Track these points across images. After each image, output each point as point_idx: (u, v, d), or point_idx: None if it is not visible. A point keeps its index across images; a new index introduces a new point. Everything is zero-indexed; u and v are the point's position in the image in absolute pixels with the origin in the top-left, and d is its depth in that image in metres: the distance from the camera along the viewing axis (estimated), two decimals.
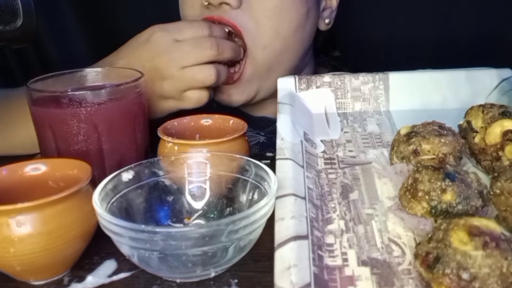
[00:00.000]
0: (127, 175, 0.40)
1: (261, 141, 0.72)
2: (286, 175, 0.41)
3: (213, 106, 0.77)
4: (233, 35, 0.62)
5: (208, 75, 0.57)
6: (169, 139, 0.47)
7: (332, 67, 0.81)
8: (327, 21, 0.71)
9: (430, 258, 0.30)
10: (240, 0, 0.61)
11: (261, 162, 0.40)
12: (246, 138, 0.50)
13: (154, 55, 0.57)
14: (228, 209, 0.42)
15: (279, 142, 0.46)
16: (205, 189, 0.43)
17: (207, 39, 0.57)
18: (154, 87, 0.57)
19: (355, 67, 0.79)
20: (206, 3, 0.61)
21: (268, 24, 0.62)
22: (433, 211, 0.36)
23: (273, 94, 0.69)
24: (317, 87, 0.59)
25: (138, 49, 0.58)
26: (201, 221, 0.42)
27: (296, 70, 0.69)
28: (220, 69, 0.58)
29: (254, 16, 0.62)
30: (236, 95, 0.66)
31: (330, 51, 0.81)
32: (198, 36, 0.57)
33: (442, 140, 0.42)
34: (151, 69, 0.56)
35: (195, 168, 0.43)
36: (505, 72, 0.57)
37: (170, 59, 0.56)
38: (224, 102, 0.68)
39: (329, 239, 0.36)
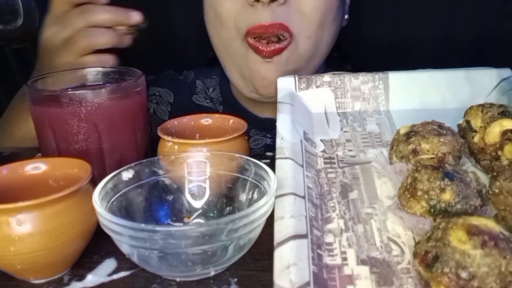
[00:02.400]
0: (127, 174, 0.40)
1: (267, 143, 0.72)
2: (285, 174, 0.41)
3: (219, 110, 0.77)
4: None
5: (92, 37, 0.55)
6: (169, 138, 0.47)
7: (336, 66, 0.81)
8: (346, 16, 0.72)
9: (429, 257, 0.30)
10: None
11: (261, 161, 0.40)
12: (246, 137, 0.50)
13: (43, 32, 0.58)
14: (227, 208, 0.42)
15: (278, 142, 0.46)
16: (205, 188, 0.43)
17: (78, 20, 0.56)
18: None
19: (357, 66, 0.79)
20: (252, 2, 0.60)
21: (314, 15, 0.62)
22: (432, 210, 0.36)
23: None
24: (317, 87, 0.59)
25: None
26: (201, 220, 0.42)
27: (321, 66, 0.70)
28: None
29: (300, 9, 0.62)
30: (274, 73, 0.62)
31: (334, 51, 0.82)
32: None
33: (442, 140, 0.42)
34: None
35: (195, 167, 0.43)
36: (505, 72, 0.57)
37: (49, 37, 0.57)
38: (262, 89, 0.65)
39: (329, 238, 0.36)
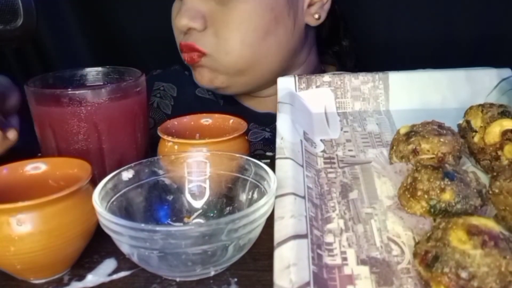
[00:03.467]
0: (127, 174, 0.40)
1: (266, 136, 0.73)
2: (285, 174, 0.41)
3: (220, 103, 0.78)
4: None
5: None
6: (169, 138, 0.47)
7: (338, 64, 0.81)
8: (316, 16, 0.71)
9: (429, 257, 0.30)
10: (204, 23, 0.65)
11: (261, 161, 0.40)
12: (246, 137, 0.50)
13: None
14: (227, 208, 0.42)
15: (278, 142, 0.46)
16: (205, 188, 0.43)
17: None
18: None
19: (360, 60, 0.79)
20: (176, 28, 0.67)
21: (229, 36, 0.65)
22: (432, 210, 0.36)
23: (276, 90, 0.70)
24: (317, 87, 0.59)
25: None
26: (201, 220, 0.42)
27: (285, 71, 0.70)
28: None
29: (217, 33, 0.65)
30: (207, 76, 0.69)
31: (333, 45, 0.81)
32: None
33: (442, 140, 0.42)
34: None
35: (195, 167, 0.43)
36: (505, 72, 0.57)
37: None
38: (202, 83, 0.71)
39: (329, 238, 0.36)
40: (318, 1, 0.71)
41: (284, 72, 0.69)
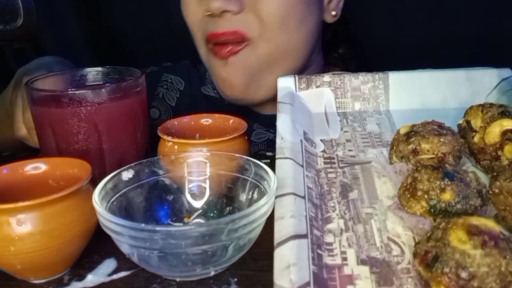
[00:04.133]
0: (127, 174, 0.40)
1: (270, 138, 0.73)
2: (285, 174, 0.41)
3: (224, 102, 0.78)
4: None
5: None
6: (169, 138, 0.47)
7: (343, 65, 0.80)
8: (333, 13, 0.71)
9: (429, 257, 0.30)
10: (241, 5, 0.61)
11: (261, 161, 0.40)
12: (246, 137, 0.50)
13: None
14: (227, 208, 0.42)
15: (279, 141, 0.46)
16: (205, 188, 0.43)
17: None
18: None
19: (364, 63, 0.78)
20: (207, 14, 0.62)
21: (272, 20, 0.62)
22: (432, 210, 0.36)
23: None
24: (317, 87, 0.59)
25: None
26: (201, 220, 0.42)
27: (303, 68, 0.69)
28: None
29: (257, 16, 0.62)
30: (235, 76, 0.65)
31: (338, 48, 0.81)
32: None
33: (442, 140, 0.42)
34: None
35: (195, 167, 0.43)
36: (505, 72, 0.57)
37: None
38: (227, 91, 0.67)
39: (329, 238, 0.36)
40: None
41: (300, 72, 0.68)
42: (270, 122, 0.72)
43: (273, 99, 0.71)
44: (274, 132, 0.72)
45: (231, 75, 0.65)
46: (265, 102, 0.73)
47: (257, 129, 0.74)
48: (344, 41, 0.81)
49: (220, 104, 0.77)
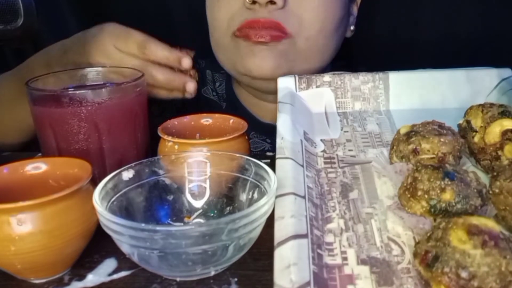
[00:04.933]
0: (127, 174, 0.40)
1: (266, 148, 0.72)
2: (286, 174, 0.41)
3: (222, 106, 0.77)
4: None
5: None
6: (170, 138, 0.47)
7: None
8: (352, 27, 0.73)
9: (429, 257, 0.30)
10: (285, 0, 0.61)
11: (261, 161, 0.40)
12: (246, 137, 0.50)
13: (93, 52, 0.58)
14: (228, 208, 0.42)
15: (279, 141, 0.46)
16: (205, 188, 0.43)
17: (134, 61, 0.57)
18: None
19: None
20: (250, 2, 0.61)
21: (313, 19, 0.63)
22: (432, 210, 0.36)
23: None
24: (317, 87, 0.59)
25: (83, 45, 0.59)
26: (201, 220, 0.42)
27: (322, 71, 0.69)
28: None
29: (299, 14, 0.62)
30: (269, 60, 0.63)
31: (339, 60, 0.81)
32: (132, 53, 0.57)
33: (442, 140, 0.42)
34: (87, 63, 0.57)
35: (195, 167, 0.43)
36: (505, 72, 0.57)
37: (101, 63, 0.57)
38: (255, 68, 0.63)
39: (329, 238, 0.36)
40: (353, 14, 0.73)
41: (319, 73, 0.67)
42: (268, 131, 0.72)
43: (276, 107, 0.71)
44: (271, 143, 0.72)
45: (265, 54, 0.63)
46: (269, 109, 0.72)
47: (254, 138, 0.73)
48: (344, 56, 0.81)
49: (217, 108, 0.76)
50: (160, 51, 0.57)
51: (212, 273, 0.36)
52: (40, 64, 0.61)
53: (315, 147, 0.50)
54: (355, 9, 0.74)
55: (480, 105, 0.46)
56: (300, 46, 0.64)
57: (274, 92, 0.68)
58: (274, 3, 0.60)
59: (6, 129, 0.66)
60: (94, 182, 0.38)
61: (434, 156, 0.42)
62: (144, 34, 0.58)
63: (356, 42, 0.83)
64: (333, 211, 0.40)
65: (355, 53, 0.84)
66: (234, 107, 0.76)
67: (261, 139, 0.73)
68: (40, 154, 0.52)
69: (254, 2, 0.61)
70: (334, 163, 0.47)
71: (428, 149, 0.42)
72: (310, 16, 0.62)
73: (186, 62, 0.57)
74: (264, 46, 0.62)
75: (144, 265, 0.35)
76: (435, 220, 0.36)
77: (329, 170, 0.46)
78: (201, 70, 0.81)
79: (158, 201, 0.42)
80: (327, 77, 0.59)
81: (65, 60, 0.59)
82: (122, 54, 0.57)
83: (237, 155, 0.42)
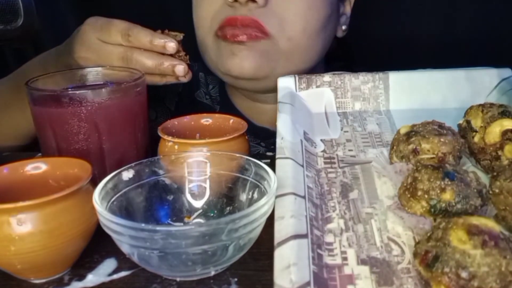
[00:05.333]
0: (127, 174, 0.40)
1: (261, 152, 0.72)
2: (286, 174, 0.41)
3: (216, 109, 0.77)
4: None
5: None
6: (169, 138, 0.47)
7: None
8: (344, 27, 0.72)
9: (429, 257, 0.30)
10: None
11: (261, 161, 0.40)
12: (246, 137, 0.50)
13: (77, 48, 0.58)
14: (228, 208, 0.42)
15: (279, 141, 0.46)
16: (205, 188, 0.43)
17: (119, 49, 0.56)
18: None
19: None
20: (231, 1, 0.61)
21: (295, 20, 0.62)
22: (432, 210, 0.36)
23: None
24: (317, 87, 0.59)
25: (71, 39, 0.59)
26: (201, 220, 0.42)
27: (311, 71, 0.68)
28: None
29: (280, 14, 0.61)
30: (248, 60, 0.62)
31: (337, 62, 0.81)
32: (116, 42, 0.57)
33: (442, 140, 0.42)
34: (74, 61, 0.58)
35: (195, 167, 0.43)
36: (505, 72, 0.57)
37: (85, 57, 0.57)
38: (234, 68, 0.63)
39: (329, 238, 0.36)
40: (345, 13, 0.72)
41: (308, 73, 0.67)
42: (262, 135, 0.71)
43: (271, 104, 0.71)
44: (265, 146, 0.72)
45: (245, 54, 0.62)
46: (262, 111, 0.72)
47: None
48: (341, 56, 0.81)
49: (210, 111, 0.76)
50: (144, 36, 0.56)
51: (212, 273, 0.36)
52: (36, 70, 0.61)
53: (315, 147, 0.50)
54: (347, 9, 0.73)
55: (480, 105, 0.46)
56: (282, 47, 0.63)
57: (264, 92, 0.69)
58: (255, 1, 0.60)
59: (2, 135, 0.66)
60: (94, 182, 0.38)
61: (434, 156, 0.42)
62: (127, 22, 0.57)
63: (356, 42, 0.83)
64: (333, 211, 0.40)
65: (355, 54, 0.84)
66: (228, 110, 0.75)
67: (255, 143, 0.73)
68: (40, 154, 0.52)
69: (235, 0, 0.60)
70: (334, 163, 0.47)
71: (428, 149, 0.42)
72: (292, 16, 0.62)
73: (170, 46, 0.56)
74: (243, 46, 0.62)
75: (144, 265, 0.35)
76: (435, 220, 0.36)
77: (329, 170, 0.46)
78: (195, 72, 0.81)
79: (158, 201, 0.42)
80: (327, 77, 0.59)
81: (59, 64, 0.59)
82: (107, 45, 0.57)
83: (237, 155, 0.42)
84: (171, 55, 0.57)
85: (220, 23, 0.62)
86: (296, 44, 0.63)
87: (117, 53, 0.56)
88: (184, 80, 0.59)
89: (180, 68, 0.57)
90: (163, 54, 0.57)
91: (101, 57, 0.57)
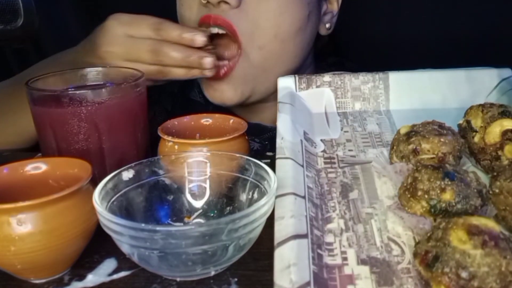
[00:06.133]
0: (127, 174, 0.40)
1: (255, 148, 0.72)
2: (286, 174, 0.41)
3: (209, 108, 0.77)
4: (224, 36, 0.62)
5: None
6: (170, 138, 0.47)
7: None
8: (327, 25, 0.71)
9: (429, 257, 0.30)
10: (239, 0, 0.60)
11: (261, 161, 0.40)
12: (246, 137, 0.50)
13: (103, 43, 0.58)
14: (228, 208, 0.42)
15: (279, 141, 0.46)
16: (205, 188, 0.43)
17: (148, 42, 0.57)
18: None
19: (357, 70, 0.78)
20: (205, 2, 0.61)
21: (266, 26, 0.62)
22: (432, 210, 0.36)
23: (270, 98, 0.69)
24: (317, 87, 0.59)
25: (93, 37, 0.60)
26: (201, 220, 0.42)
27: (296, 73, 0.68)
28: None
29: (252, 17, 0.61)
30: (229, 92, 0.65)
31: (328, 57, 0.81)
32: (146, 35, 0.57)
33: (442, 140, 0.42)
34: (97, 57, 0.58)
35: (195, 167, 0.43)
36: (505, 72, 0.58)
37: (111, 51, 0.58)
38: (216, 100, 0.66)
39: (329, 238, 0.36)
40: (330, 11, 0.71)
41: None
42: (256, 132, 0.71)
43: (263, 103, 0.71)
44: (259, 142, 0.72)
45: (224, 88, 0.65)
46: (253, 110, 0.72)
47: None
48: (332, 53, 0.80)
49: (204, 110, 0.76)
50: (174, 30, 0.57)
51: (212, 273, 0.36)
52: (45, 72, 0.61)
53: (315, 147, 0.50)
54: (334, 6, 0.71)
55: (480, 105, 0.46)
56: (254, 59, 0.63)
57: (251, 104, 0.69)
58: (227, 3, 0.60)
59: (6, 137, 0.65)
60: (94, 182, 0.38)
61: (434, 156, 0.42)
62: (155, 17, 0.58)
63: (356, 42, 0.83)
64: (333, 211, 0.40)
65: (350, 51, 0.84)
66: (220, 109, 0.75)
67: (249, 139, 0.73)
68: (40, 154, 0.52)
69: (207, 2, 0.61)
70: (334, 163, 0.47)
71: (428, 149, 0.42)
72: (263, 21, 0.61)
73: (199, 39, 0.57)
74: (221, 81, 0.64)
75: (144, 265, 0.35)
76: (435, 220, 0.36)
77: (329, 170, 0.46)
78: None
79: (158, 201, 0.42)
80: (327, 77, 0.59)
81: (77, 63, 0.59)
82: (135, 39, 0.57)
83: (237, 155, 0.42)
84: (199, 48, 0.58)
85: (198, 23, 0.63)
86: (269, 51, 0.63)
87: (147, 45, 0.57)
88: (209, 74, 0.59)
89: (208, 60, 0.58)
90: (191, 47, 0.58)
91: (129, 51, 0.57)
